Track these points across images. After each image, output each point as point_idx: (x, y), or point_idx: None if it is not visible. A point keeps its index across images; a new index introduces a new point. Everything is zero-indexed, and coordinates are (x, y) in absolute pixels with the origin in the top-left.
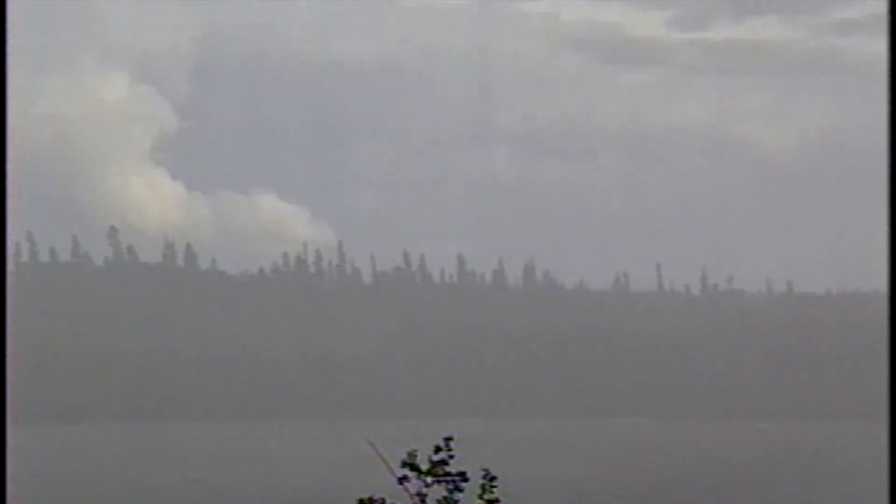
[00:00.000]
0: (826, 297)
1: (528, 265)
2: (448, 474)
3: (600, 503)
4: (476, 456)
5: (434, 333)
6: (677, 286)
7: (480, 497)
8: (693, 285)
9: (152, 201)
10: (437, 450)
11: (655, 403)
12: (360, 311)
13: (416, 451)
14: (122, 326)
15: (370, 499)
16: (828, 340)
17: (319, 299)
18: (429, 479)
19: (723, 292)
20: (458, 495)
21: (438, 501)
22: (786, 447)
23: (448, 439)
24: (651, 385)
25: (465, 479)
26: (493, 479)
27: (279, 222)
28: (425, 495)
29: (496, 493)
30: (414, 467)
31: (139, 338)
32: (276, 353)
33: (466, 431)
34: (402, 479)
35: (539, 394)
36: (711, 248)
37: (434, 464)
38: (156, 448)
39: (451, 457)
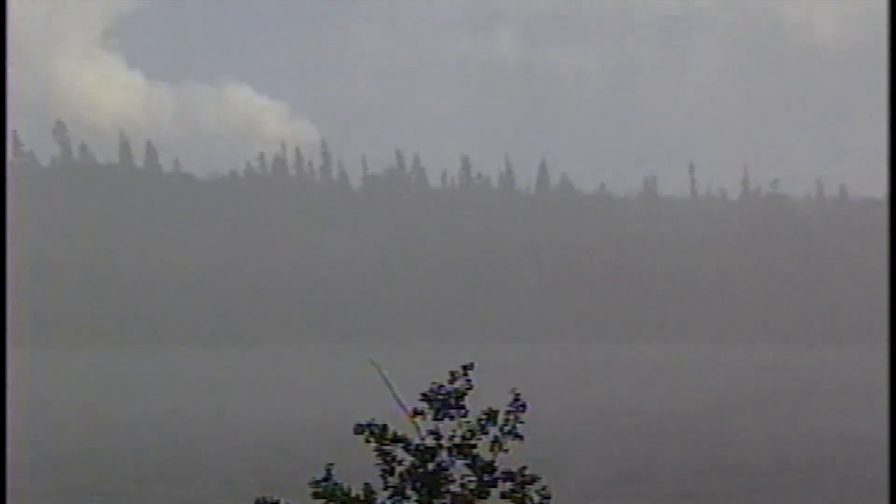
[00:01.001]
0: (885, 202)
1: (542, 167)
2: (462, 407)
3: (625, 435)
4: (486, 385)
5: (433, 246)
6: (713, 190)
7: (501, 429)
8: (731, 189)
9: (105, 93)
10: (453, 378)
11: (687, 326)
12: (348, 219)
13: (437, 384)
14: (72, 236)
15: (368, 424)
16: (888, 251)
17: (301, 206)
18: (442, 415)
19: (766, 197)
20: (478, 438)
21: (453, 439)
22: (838, 375)
23: (467, 368)
24: (682, 305)
25: (494, 420)
26: (522, 406)
27: (253, 118)
28: (440, 435)
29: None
30: (433, 402)
31: (92, 249)
32: (254, 268)
33: (474, 357)
34: (417, 413)
35: (556, 315)
36: (752, 147)
37: (449, 395)
38: (122, 373)
39: (470, 388)
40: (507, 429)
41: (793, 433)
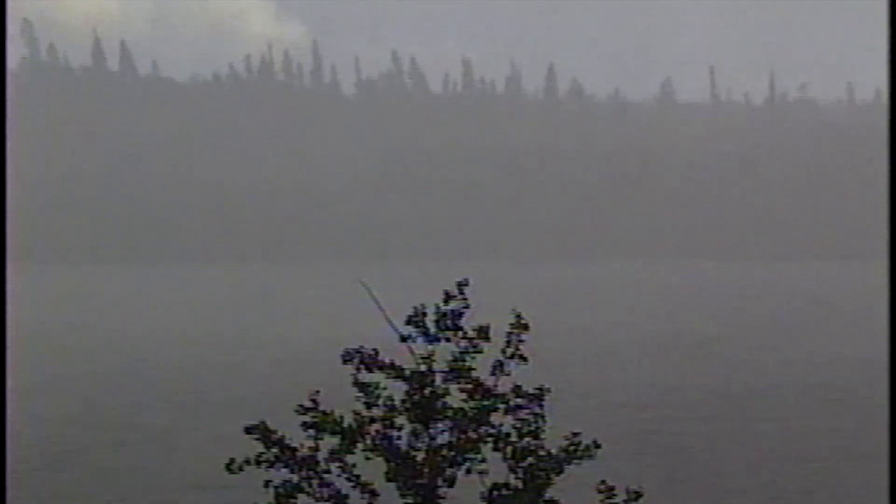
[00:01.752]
0: None
1: (550, 70)
2: (459, 328)
3: (638, 358)
4: (489, 306)
5: (433, 156)
6: (735, 95)
7: (504, 351)
8: (755, 93)
9: None
10: (448, 298)
11: (706, 242)
12: (340, 128)
13: (423, 306)
14: (39, 145)
15: (357, 350)
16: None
17: (290, 113)
18: (437, 338)
19: (793, 102)
20: (472, 357)
21: (450, 363)
22: (869, 292)
23: (462, 285)
24: (701, 220)
25: (487, 337)
26: (524, 326)
27: (237, 15)
28: (433, 358)
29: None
30: (420, 325)
31: (63, 159)
32: (238, 181)
33: (477, 276)
34: (405, 339)
35: (565, 230)
36: (779, 48)
37: (444, 315)
38: (100, 291)
39: (466, 307)
40: (509, 351)
41: (815, 354)
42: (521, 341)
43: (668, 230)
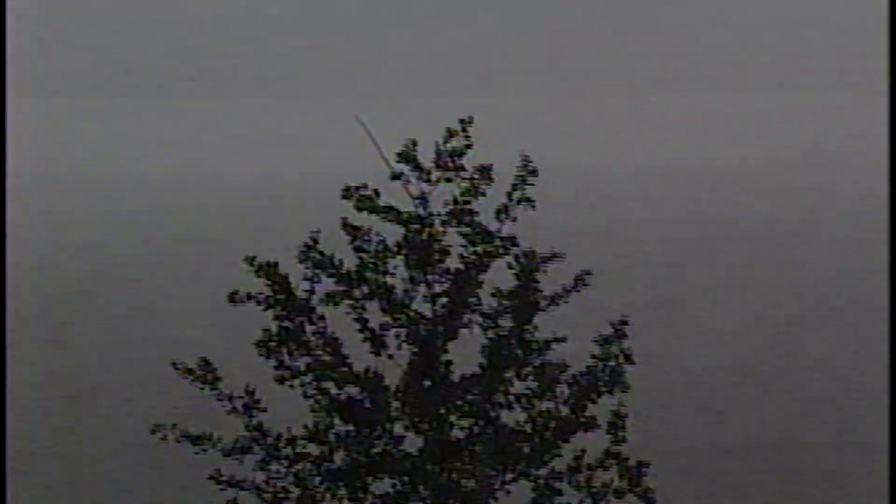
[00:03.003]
0: None
1: None
2: (461, 168)
3: (671, 193)
4: (492, 142)
5: None
6: None
7: (510, 196)
8: None
9: None
10: (450, 135)
11: (721, 73)
12: None
13: (413, 141)
14: None
15: (357, 188)
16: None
17: None
18: (433, 178)
19: None
20: (474, 198)
21: (450, 204)
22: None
23: (466, 122)
24: (717, 50)
25: (489, 178)
26: (532, 171)
27: None
28: (426, 198)
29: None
30: (412, 162)
31: None
32: (230, 8)
33: (478, 111)
34: (395, 177)
35: (580, 60)
36: None
37: (441, 154)
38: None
39: (469, 146)
40: (516, 195)
41: (824, 189)
42: (528, 184)
43: (684, 61)
